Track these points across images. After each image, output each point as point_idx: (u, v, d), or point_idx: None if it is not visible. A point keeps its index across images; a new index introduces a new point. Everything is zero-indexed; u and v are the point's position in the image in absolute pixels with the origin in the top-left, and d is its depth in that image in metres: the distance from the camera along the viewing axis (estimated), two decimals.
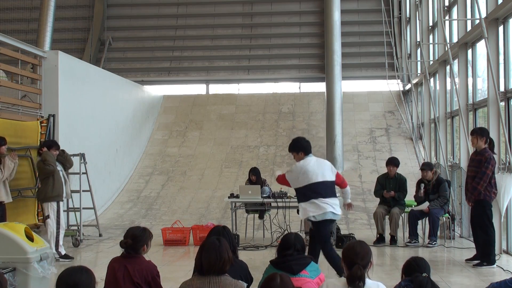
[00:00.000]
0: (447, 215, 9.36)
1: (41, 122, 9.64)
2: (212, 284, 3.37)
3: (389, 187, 9.51)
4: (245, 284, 4.15)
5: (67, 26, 17.96)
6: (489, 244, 7.33)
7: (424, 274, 3.55)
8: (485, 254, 7.35)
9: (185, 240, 9.37)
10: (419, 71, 15.21)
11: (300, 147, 6.54)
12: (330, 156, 14.01)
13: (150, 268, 4.23)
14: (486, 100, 8.81)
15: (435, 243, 8.95)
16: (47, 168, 7.83)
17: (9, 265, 4.95)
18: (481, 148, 7.34)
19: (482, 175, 7.22)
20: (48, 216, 7.89)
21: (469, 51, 10.36)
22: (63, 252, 7.85)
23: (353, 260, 3.54)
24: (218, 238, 3.58)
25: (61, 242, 7.95)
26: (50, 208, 7.89)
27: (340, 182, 6.69)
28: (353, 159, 14.49)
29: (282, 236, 4.77)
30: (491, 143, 7.38)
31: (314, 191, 6.36)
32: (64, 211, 8.77)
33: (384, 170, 9.96)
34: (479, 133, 7.40)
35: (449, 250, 8.76)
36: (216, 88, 18.51)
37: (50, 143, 8.31)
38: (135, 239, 4.25)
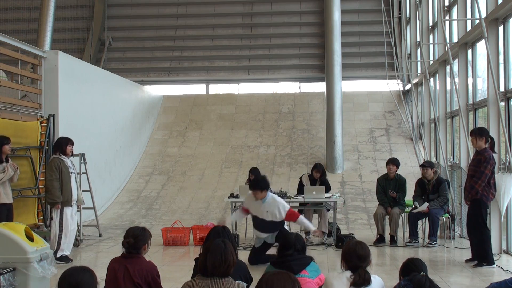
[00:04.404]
0: (447, 215, 9.36)
1: (41, 122, 9.63)
2: (215, 286, 3.38)
3: (389, 188, 9.50)
4: (245, 285, 4.16)
5: (67, 26, 17.96)
6: (484, 244, 7.32)
7: (422, 273, 3.57)
8: (480, 254, 7.36)
9: (185, 240, 9.37)
10: (419, 71, 15.21)
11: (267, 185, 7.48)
12: (330, 156, 14.02)
13: (150, 268, 4.24)
14: (486, 100, 8.81)
15: (435, 243, 8.95)
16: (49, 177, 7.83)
17: (9, 265, 4.94)
18: (481, 148, 7.35)
19: (480, 174, 7.23)
20: (52, 218, 7.86)
21: (469, 51, 10.37)
22: (58, 255, 7.57)
23: (356, 264, 3.66)
24: (224, 240, 3.58)
25: (62, 246, 7.70)
26: (54, 210, 7.83)
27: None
28: (353, 159, 14.50)
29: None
30: (492, 143, 7.39)
31: None
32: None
33: (384, 170, 9.96)
34: (478, 133, 7.41)
35: (449, 250, 8.77)
36: (216, 88, 18.51)
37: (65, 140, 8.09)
38: (136, 238, 4.27)
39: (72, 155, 8.22)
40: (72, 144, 8.09)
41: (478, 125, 9.67)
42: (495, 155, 7.48)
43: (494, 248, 7.77)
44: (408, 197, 9.64)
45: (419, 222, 9.50)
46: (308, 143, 15.26)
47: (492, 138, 7.44)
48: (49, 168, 7.90)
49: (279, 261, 4.18)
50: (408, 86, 16.05)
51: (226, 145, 15.43)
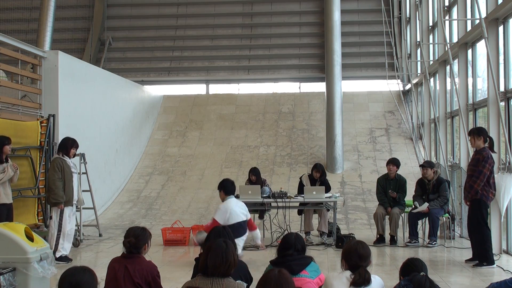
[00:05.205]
0: (447, 215, 9.36)
1: (41, 122, 9.63)
2: (215, 285, 3.38)
3: (390, 188, 9.50)
4: (245, 285, 4.16)
5: (67, 26, 17.97)
6: (484, 244, 7.33)
7: (422, 273, 3.58)
8: (481, 254, 7.36)
9: (185, 240, 9.37)
10: (419, 71, 15.22)
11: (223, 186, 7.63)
12: (330, 156, 14.02)
13: (151, 268, 4.24)
14: (486, 100, 8.81)
15: (435, 243, 8.95)
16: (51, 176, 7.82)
17: (9, 265, 4.94)
18: (479, 147, 7.36)
19: (479, 173, 7.23)
20: (51, 217, 7.86)
21: (469, 51, 10.37)
22: (57, 255, 7.54)
23: (356, 263, 3.66)
24: (225, 240, 3.58)
25: (59, 247, 7.68)
26: (54, 210, 7.82)
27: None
28: (353, 159, 14.50)
29: (282, 236, 4.78)
30: (490, 143, 7.39)
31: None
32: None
33: (384, 170, 9.96)
34: (476, 133, 7.43)
35: (449, 250, 8.77)
36: (216, 88, 18.51)
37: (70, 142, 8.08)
38: (137, 238, 4.28)
39: (74, 156, 8.23)
40: (77, 147, 8.12)
41: (478, 125, 9.67)
42: (494, 155, 7.48)
43: (494, 248, 7.77)
44: (408, 197, 9.64)
45: (419, 222, 9.50)
46: (308, 143, 15.27)
47: (491, 138, 7.44)
48: (51, 168, 7.90)
49: (279, 261, 4.18)
50: (408, 86, 16.05)
51: (226, 145, 15.43)
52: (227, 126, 16.15)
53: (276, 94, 17.50)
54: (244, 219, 7.42)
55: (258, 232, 7.80)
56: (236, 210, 7.39)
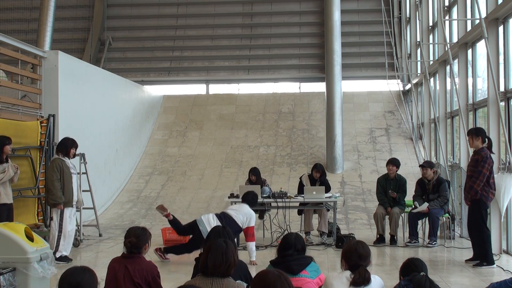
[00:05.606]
0: (447, 215, 9.36)
1: (41, 122, 9.63)
2: (215, 285, 3.37)
3: (390, 188, 9.50)
4: (245, 285, 4.16)
5: (67, 26, 17.97)
6: (484, 244, 7.33)
7: (422, 273, 3.58)
8: (481, 254, 7.37)
9: (185, 240, 9.35)
10: (419, 71, 15.22)
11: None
12: (330, 156, 14.02)
13: (151, 268, 4.25)
14: (486, 100, 8.81)
15: (435, 243, 8.95)
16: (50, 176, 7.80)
17: (9, 265, 4.94)
18: (478, 147, 7.36)
19: (478, 174, 7.24)
20: (52, 218, 7.85)
21: (469, 51, 10.37)
22: (57, 256, 7.52)
23: (356, 263, 3.66)
24: (226, 240, 3.57)
25: (60, 248, 7.66)
26: (55, 211, 7.81)
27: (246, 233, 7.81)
28: (353, 159, 14.50)
29: (282, 236, 4.78)
30: (489, 143, 7.39)
31: None
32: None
33: (384, 170, 9.96)
34: (474, 133, 7.43)
35: (449, 250, 8.77)
36: (216, 88, 18.52)
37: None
38: (138, 238, 4.29)
39: (74, 156, 8.22)
40: (76, 147, 8.10)
41: (478, 125, 9.67)
42: (493, 156, 7.48)
43: (494, 248, 7.78)
44: (408, 197, 9.64)
45: (419, 222, 9.50)
46: (308, 143, 15.27)
47: (489, 139, 7.45)
48: (50, 168, 7.88)
49: (279, 261, 4.18)
50: (408, 86, 16.05)
51: (226, 145, 15.43)
52: (227, 126, 16.15)
53: (276, 94, 17.50)
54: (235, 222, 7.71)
55: (253, 246, 7.64)
56: (229, 210, 8.01)
